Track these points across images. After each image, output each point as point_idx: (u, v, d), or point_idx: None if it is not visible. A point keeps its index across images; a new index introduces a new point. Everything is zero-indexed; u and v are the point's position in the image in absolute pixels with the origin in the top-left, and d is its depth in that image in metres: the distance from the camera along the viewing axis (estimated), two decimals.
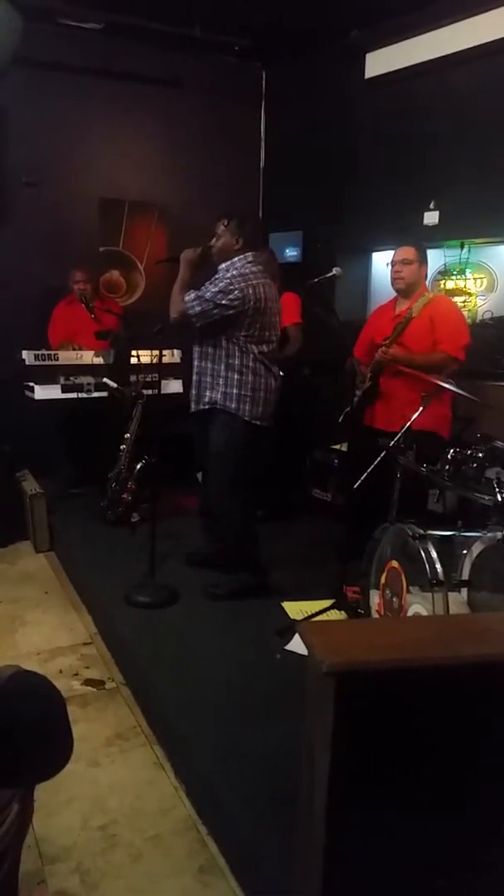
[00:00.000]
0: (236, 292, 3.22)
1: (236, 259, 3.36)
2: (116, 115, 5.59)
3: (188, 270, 3.37)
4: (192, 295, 3.28)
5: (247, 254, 3.37)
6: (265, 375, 3.42)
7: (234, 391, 3.36)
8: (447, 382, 3.23)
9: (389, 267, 3.81)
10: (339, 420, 3.96)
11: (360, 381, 3.81)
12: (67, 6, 4.91)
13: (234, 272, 3.30)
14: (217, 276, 3.34)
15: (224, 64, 5.81)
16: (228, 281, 3.25)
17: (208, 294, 3.25)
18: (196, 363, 3.49)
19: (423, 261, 3.75)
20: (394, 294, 3.87)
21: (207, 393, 3.43)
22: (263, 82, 6.14)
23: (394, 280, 3.77)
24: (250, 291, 3.25)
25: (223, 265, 3.38)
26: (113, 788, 2.46)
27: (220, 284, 3.25)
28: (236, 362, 3.35)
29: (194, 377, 3.50)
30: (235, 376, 3.36)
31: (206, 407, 3.45)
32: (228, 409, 3.38)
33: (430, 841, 1.48)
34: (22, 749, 1.26)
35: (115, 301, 5.60)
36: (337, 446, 4.76)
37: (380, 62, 4.89)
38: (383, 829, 1.45)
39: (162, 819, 2.32)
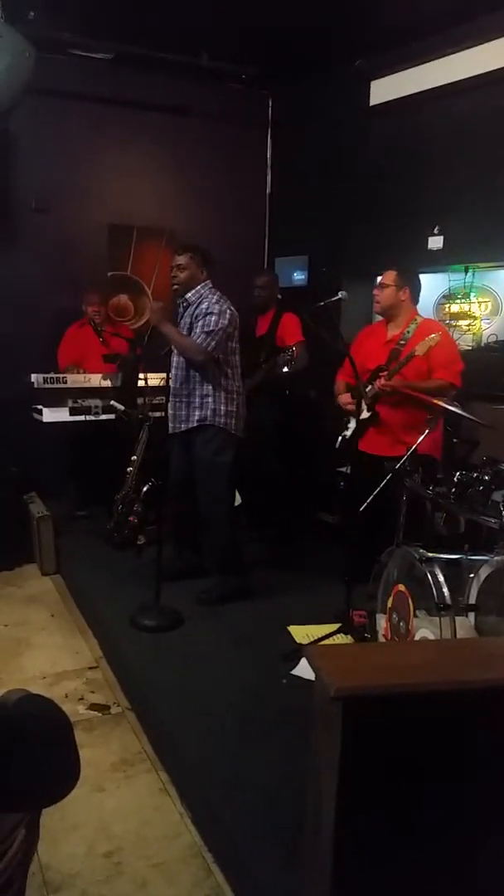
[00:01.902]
0: (228, 313, 3.60)
1: (202, 287, 3.67)
2: (125, 142, 5.67)
3: (170, 324, 3.65)
4: (201, 337, 3.55)
5: (208, 282, 3.69)
6: (241, 392, 3.78)
7: (223, 407, 3.66)
8: (452, 405, 3.24)
9: None
10: (336, 446, 4.01)
11: (347, 403, 3.91)
12: (78, 37, 5.00)
13: (215, 297, 3.64)
14: (199, 310, 3.61)
15: (231, 91, 5.89)
16: (218, 307, 3.58)
17: (210, 326, 3.55)
18: (183, 385, 3.70)
19: (403, 285, 3.80)
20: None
21: (197, 412, 3.67)
22: (270, 109, 6.22)
23: (374, 304, 3.90)
24: (233, 310, 3.64)
25: (191, 294, 3.67)
26: (118, 814, 2.44)
27: (215, 312, 3.56)
28: (223, 381, 3.67)
29: (182, 399, 3.71)
30: (221, 393, 3.66)
31: (196, 425, 3.68)
32: (218, 423, 3.66)
33: (440, 868, 1.47)
34: (30, 772, 1.25)
35: (126, 325, 5.64)
36: (343, 469, 4.76)
37: (384, 90, 4.96)
38: (391, 856, 1.43)
39: (167, 846, 2.30)
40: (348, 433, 3.92)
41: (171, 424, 3.78)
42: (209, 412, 3.65)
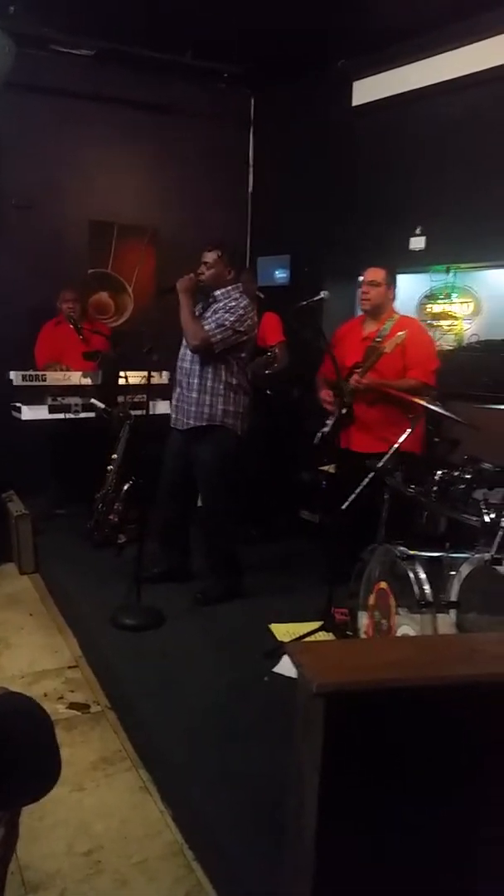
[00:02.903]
0: (248, 322, 3.55)
1: (231, 288, 3.60)
2: (107, 139, 5.64)
3: (190, 298, 3.54)
4: (212, 324, 3.48)
5: (237, 284, 3.62)
6: (247, 395, 3.73)
7: (231, 409, 3.61)
8: (434, 405, 3.26)
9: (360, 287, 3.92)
10: (315, 443, 4.02)
11: (327, 400, 3.93)
12: (60, 33, 4.97)
13: (244, 303, 3.57)
14: (221, 304, 3.53)
15: (214, 90, 5.88)
16: (243, 312, 3.53)
17: (228, 323, 3.49)
18: (195, 380, 3.60)
19: (391, 283, 3.86)
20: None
21: (206, 409, 3.58)
22: (252, 109, 6.21)
23: (361, 300, 3.93)
24: (255, 320, 3.64)
25: (219, 292, 3.58)
26: (98, 813, 2.42)
27: (237, 314, 3.50)
28: (234, 382, 3.61)
29: (190, 394, 3.60)
30: (232, 395, 3.61)
31: (205, 423, 3.59)
32: (227, 424, 3.61)
33: (421, 864, 1.47)
34: (9, 770, 1.24)
35: (103, 322, 5.61)
36: (325, 468, 4.77)
37: (366, 90, 4.98)
38: (373, 852, 1.44)
39: (148, 844, 2.29)
40: (326, 429, 3.95)
41: (173, 416, 3.72)
42: (218, 411, 3.59)
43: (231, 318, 3.48)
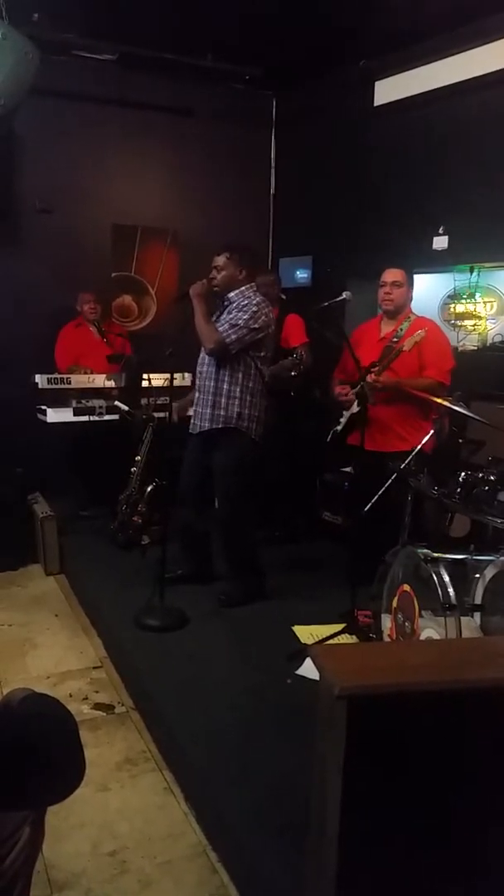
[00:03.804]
0: (263, 318, 3.51)
1: (245, 288, 3.59)
2: (129, 142, 5.68)
3: (204, 303, 3.54)
4: (225, 325, 3.50)
5: (251, 284, 3.62)
6: (266, 397, 3.71)
7: (247, 411, 3.60)
8: (457, 405, 3.24)
9: (379, 288, 3.90)
10: (328, 440, 4.05)
11: (342, 394, 3.93)
12: (83, 39, 5.01)
13: (257, 300, 3.55)
14: (234, 304, 3.54)
15: (235, 92, 5.89)
16: (256, 308, 3.50)
17: (241, 322, 3.47)
18: (210, 384, 3.60)
19: (411, 284, 3.89)
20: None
21: (222, 412, 3.58)
22: (274, 110, 6.22)
23: (383, 301, 3.90)
24: (271, 316, 3.59)
25: (232, 294, 3.58)
26: (122, 814, 2.44)
27: (250, 311, 3.49)
28: (250, 385, 3.60)
29: (209, 397, 3.61)
30: (248, 398, 3.60)
31: (220, 426, 3.59)
32: (241, 427, 3.60)
33: (443, 867, 1.46)
34: (35, 770, 1.25)
35: (122, 325, 5.65)
36: (347, 469, 4.76)
37: (388, 90, 4.95)
38: (396, 854, 1.43)
39: (172, 845, 2.30)
40: (339, 428, 3.95)
41: (194, 422, 3.73)
42: (234, 415, 3.58)
43: (244, 317, 3.47)
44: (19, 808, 1.38)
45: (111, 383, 4.82)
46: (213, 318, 3.59)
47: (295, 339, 4.63)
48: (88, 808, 2.42)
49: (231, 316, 3.51)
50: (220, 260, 3.57)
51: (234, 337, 3.47)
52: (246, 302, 3.53)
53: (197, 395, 3.71)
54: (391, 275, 3.85)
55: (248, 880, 2.09)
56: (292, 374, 4.38)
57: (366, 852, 1.41)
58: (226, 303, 3.61)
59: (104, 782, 2.59)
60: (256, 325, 3.49)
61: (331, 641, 3.24)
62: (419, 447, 3.19)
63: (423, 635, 2.75)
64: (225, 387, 3.58)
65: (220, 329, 3.49)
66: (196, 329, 3.54)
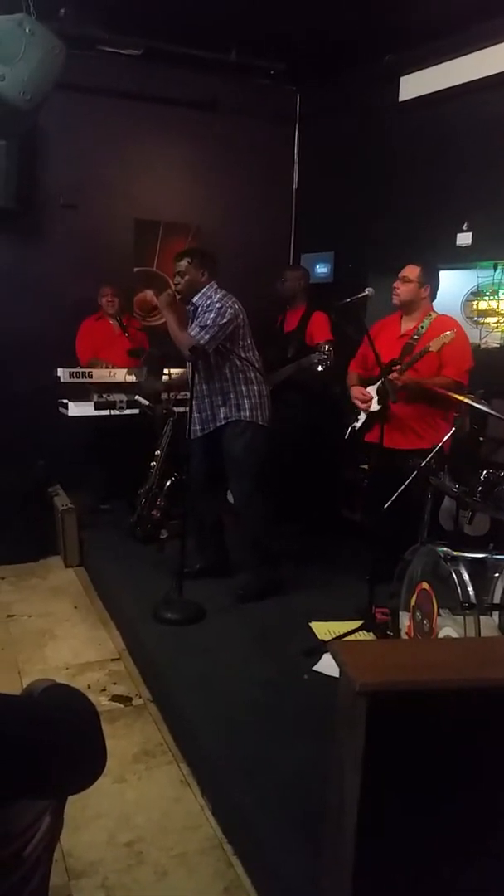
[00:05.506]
0: (229, 311, 3.60)
1: (206, 289, 3.69)
2: (153, 137, 5.69)
3: (173, 312, 3.67)
4: (195, 329, 3.58)
5: (212, 283, 3.70)
6: (262, 382, 3.79)
7: (247, 401, 3.70)
8: (480, 403, 3.22)
9: None
10: (345, 437, 4.05)
11: (360, 398, 3.92)
12: (108, 34, 5.02)
13: (218, 296, 3.65)
14: (200, 307, 3.65)
15: (259, 87, 5.88)
16: (219, 305, 3.60)
17: (209, 321, 3.57)
18: (203, 387, 3.71)
19: (426, 282, 3.83)
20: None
21: (222, 410, 3.70)
22: (297, 105, 6.20)
23: (392, 296, 3.89)
24: (237, 307, 3.65)
25: (196, 298, 3.69)
26: (139, 805, 2.46)
27: (214, 309, 3.59)
28: (242, 375, 3.71)
29: (204, 401, 3.73)
30: (243, 388, 3.70)
31: (223, 423, 3.70)
32: (244, 418, 3.69)
33: (461, 863, 1.46)
34: (57, 760, 1.27)
35: (137, 320, 5.66)
36: (366, 466, 4.74)
37: (413, 85, 4.91)
38: (413, 850, 1.43)
39: (188, 837, 2.31)
40: (358, 424, 3.95)
41: (195, 427, 3.73)
42: (233, 408, 3.69)
43: (211, 316, 3.57)
44: (43, 797, 1.40)
45: (132, 377, 4.84)
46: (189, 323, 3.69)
47: (319, 336, 4.63)
48: (105, 799, 2.44)
49: (199, 319, 3.61)
50: (182, 265, 3.70)
51: (207, 337, 3.55)
52: (209, 302, 3.63)
53: (194, 402, 3.73)
54: (404, 270, 3.85)
55: (263, 874, 2.10)
56: (319, 368, 4.38)
57: (383, 847, 1.41)
58: (192, 308, 3.70)
59: (122, 774, 2.61)
60: (225, 320, 3.57)
61: (348, 638, 3.23)
62: (440, 445, 3.17)
63: (442, 634, 2.75)
64: (218, 385, 3.70)
65: (192, 333, 3.57)
66: (173, 339, 3.65)
